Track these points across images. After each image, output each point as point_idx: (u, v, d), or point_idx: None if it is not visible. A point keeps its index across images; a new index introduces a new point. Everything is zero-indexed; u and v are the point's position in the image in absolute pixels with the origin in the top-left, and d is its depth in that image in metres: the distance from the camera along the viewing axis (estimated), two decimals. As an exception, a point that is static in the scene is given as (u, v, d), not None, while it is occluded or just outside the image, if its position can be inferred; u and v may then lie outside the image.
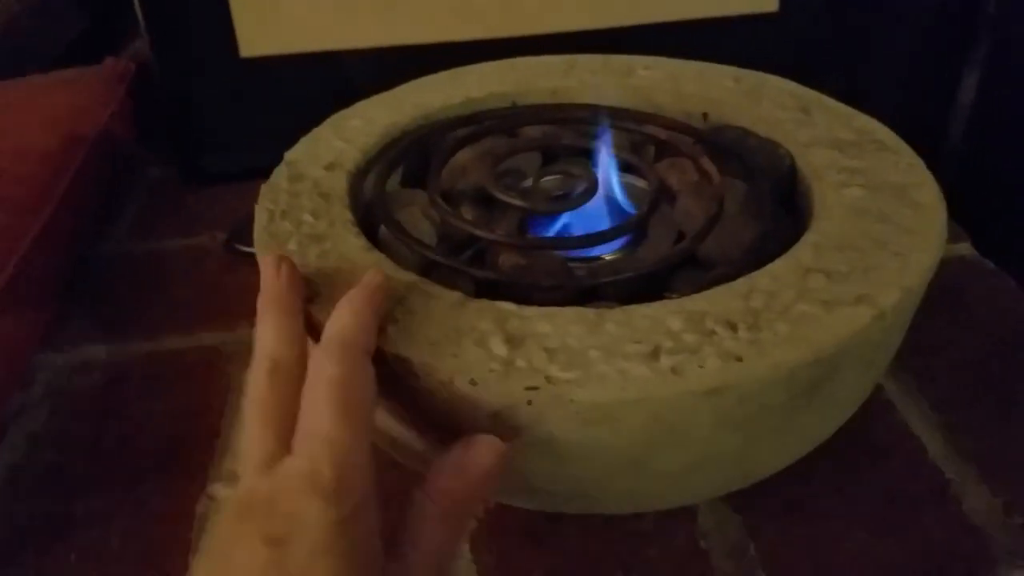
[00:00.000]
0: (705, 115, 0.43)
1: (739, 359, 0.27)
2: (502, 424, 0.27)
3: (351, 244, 0.33)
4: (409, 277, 0.31)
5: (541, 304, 0.29)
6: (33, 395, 0.43)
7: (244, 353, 0.45)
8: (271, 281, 0.28)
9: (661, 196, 0.36)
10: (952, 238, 0.49)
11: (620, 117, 0.41)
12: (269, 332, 0.27)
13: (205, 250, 0.53)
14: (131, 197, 0.60)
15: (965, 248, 0.49)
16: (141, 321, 0.48)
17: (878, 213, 0.33)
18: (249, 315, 0.29)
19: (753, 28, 0.58)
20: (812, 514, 0.35)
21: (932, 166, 0.36)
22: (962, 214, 0.47)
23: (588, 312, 0.29)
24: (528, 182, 0.39)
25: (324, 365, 0.25)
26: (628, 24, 0.57)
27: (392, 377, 0.28)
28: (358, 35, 0.55)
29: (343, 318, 0.26)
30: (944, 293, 0.45)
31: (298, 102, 0.47)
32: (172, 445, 0.40)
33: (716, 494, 0.33)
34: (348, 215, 0.34)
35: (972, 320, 0.44)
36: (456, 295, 0.30)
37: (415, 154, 0.40)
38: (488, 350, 0.27)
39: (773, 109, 0.41)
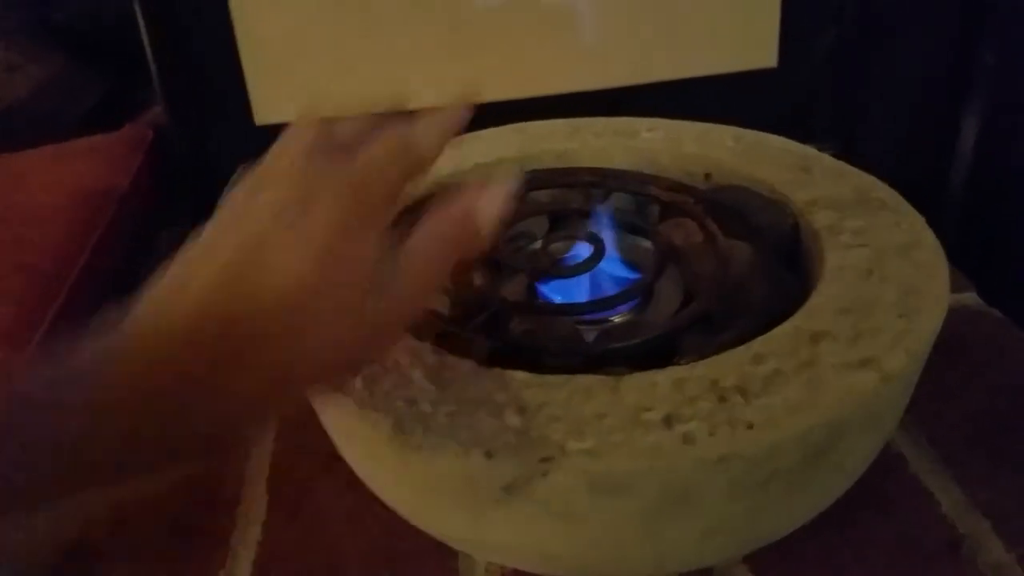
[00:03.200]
0: (707, 175, 0.44)
1: (750, 426, 0.27)
2: (517, 494, 0.28)
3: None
4: (424, 349, 0.31)
5: (553, 370, 0.30)
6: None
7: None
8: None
9: (667, 258, 0.37)
10: (957, 287, 0.50)
11: (624, 179, 0.42)
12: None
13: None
14: (153, 261, 0.61)
15: (971, 297, 0.50)
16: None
17: (881, 274, 0.34)
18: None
19: (752, 84, 0.60)
20: (823, 569, 0.35)
21: (934, 215, 0.37)
22: (967, 262, 0.48)
23: (600, 380, 0.29)
24: (537, 244, 0.40)
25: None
26: (629, 84, 0.58)
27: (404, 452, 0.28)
28: (369, 101, 0.57)
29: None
30: (951, 343, 0.45)
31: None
32: (194, 516, 0.40)
33: (731, 557, 0.34)
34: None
35: (980, 370, 0.44)
36: (470, 364, 0.31)
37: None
38: (502, 421, 0.28)
39: (773, 169, 0.42)
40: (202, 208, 0.61)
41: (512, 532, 0.30)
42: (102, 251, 0.54)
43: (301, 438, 0.42)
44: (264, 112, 0.57)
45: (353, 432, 0.31)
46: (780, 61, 0.59)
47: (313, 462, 0.42)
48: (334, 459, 0.35)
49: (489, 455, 0.27)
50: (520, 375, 0.30)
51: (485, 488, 0.28)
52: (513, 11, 0.57)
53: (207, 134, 0.59)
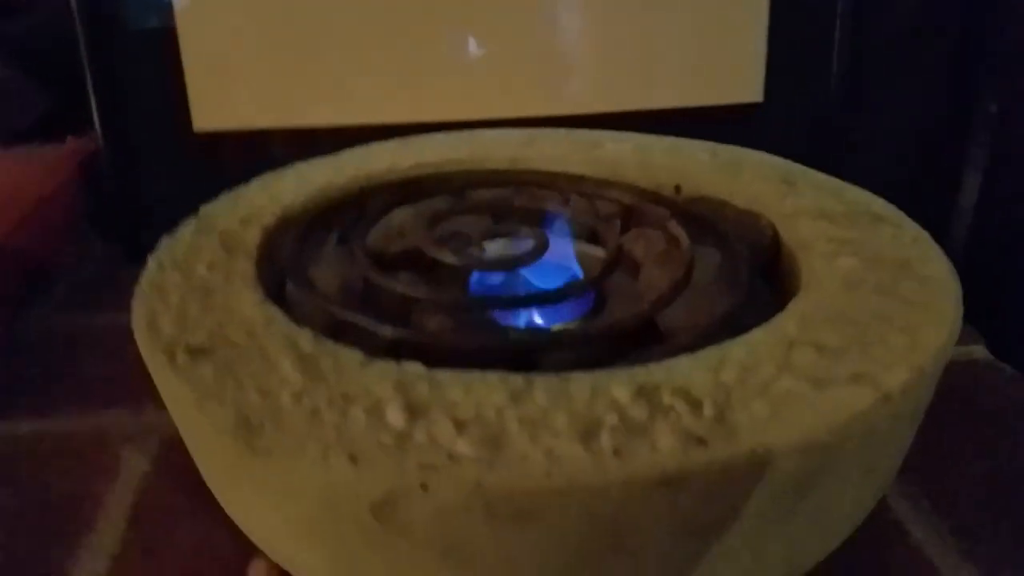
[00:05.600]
0: (678, 187, 0.38)
1: (702, 441, 0.20)
2: (390, 519, 0.21)
3: (243, 298, 0.27)
4: (303, 335, 0.25)
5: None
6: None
7: (144, 436, 0.38)
8: None
9: (619, 260, 0.31)
10: (966, 340, 0.44)
11: (582, 183, 0.37)
12: None
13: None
14: (68, 275, 0.56)
15: (980, 351, 0.43)
16: (37, 398, 0.42)
17: (877, 285, 0.28)
18: (159, 395, 0.25)
19: (736, 119, 0.55)
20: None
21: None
22: (976, 316, 0.42)
23: (514, 378, 0.23)
24: (473, 249, 0.34)
25: None
26: (602, 111, 0.54)
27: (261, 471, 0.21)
28: (315, 114, 0.52)
29: None
30: (959, 400, 0.39)
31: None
32: (34, 541, 0.33)
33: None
34: (250, 269, 0.29)
35: (993, 429, 0.38)
36: (356, 355, 0.24)
37: (351, 215, 0.35)
38: (380, 419, 0.21)
39: (754, 181, 0.37)
40: (128, 220, 0.57)
41: (387, 574, 0.23)
42: (4, 258, 0.48)
43: (180, 462, 0.35)
44: (203, 118, 0.52)
45: (190, 427, 0.24)
46: (766, 96, 0.55)
47: (187, 491, 0.34)
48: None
49: (354, 459, 0.20)
50: (415, 368, 0.23)
51: (349, 508, 0.21)
52: (477, 34, 0.53)
53: (140, 139, 0.54)
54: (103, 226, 0.60)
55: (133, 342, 0.26)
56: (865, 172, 0.36)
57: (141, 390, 0.41)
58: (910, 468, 0.34)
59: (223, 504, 0.27)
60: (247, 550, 0.29)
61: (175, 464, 0.36)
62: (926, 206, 0.33)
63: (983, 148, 0.54)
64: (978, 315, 0.42)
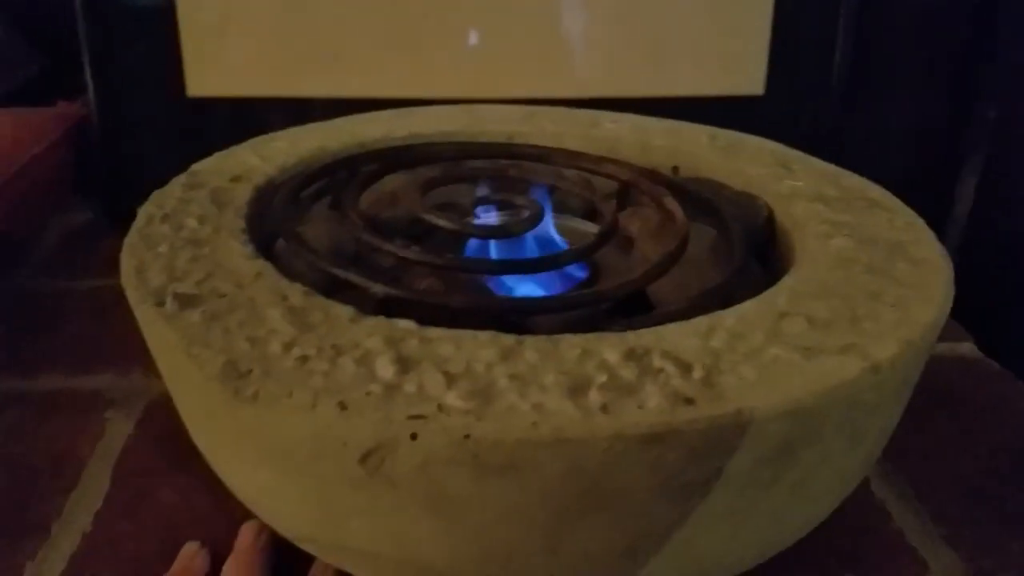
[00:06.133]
0: (675, 168, 0.38)
1: (689, 401, 0.20)
2: (379, 470, 0.21)
3: (232, 251, 0.27)
4: (293, 289, 0.25)
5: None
6: None
7: (128, 399, 0.38)
8: (247, 546, 0.29)
9: (613, 233, 0.30)
10: (955, 337, 0.44)
11: (579, 159, 0.37)
12: None
13: (119, 293, 0.48)
14: (54, 237, 0.56)
15: (968, 348, 0.44)
16: (22, 359, 0.41)
17: (870, 265, 0.28)
18: (144, 359, 0.26)
19: (736, 111, 0.55)
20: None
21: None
22: (965, 314, 0.42)
23: (505, 337, 0.23)
24: (468, 218, 0.34)
25: None
26: (602, 96, 0.53)
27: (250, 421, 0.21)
28: (311, 84, 0.52)
29: None
30: (946, 395, 0.40)
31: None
32: (17, 497, 0.32)
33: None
34: (240, 223, 0.29)
35: (980, 424, 0.38)
36: (347, 310, 0.24)
37: (343, 179, 0.35)
38: (370, 370, 0.21)
39: (751, 165, 0.37)
40: (114, 183, 0.56)
41: (373, 529, 0.22)
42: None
43: (164, 425, 0.35)
44: (196, 84, 0.52)
45: (177, 375, 0.24)
46: (767, 89, 0.55)
47: (171, 453, 0.34)
48: (197, 451, 0.28)
49: (343, 407, 0.20)
50: (407, 324, 0.23)
51: (336, 458, 0.21)
52: (482, 10, 0.53)
53: (132, 102, 0.54)
54: (91, 192, 0.60)
55: (119, 305, 0.26)
56: (860, 170, 0.36)
57: (126, 353, 0.41)
58: (896, 456, 0.35)
59: (209, 459, 0.27)
60: (229, 512, 0.29)
61: (159, 427, 0.36)
62: (921, 206, 0.33)
63: (980, 153, 0.55)
64: (969, 314, 0.42)
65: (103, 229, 0.56)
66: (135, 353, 0.41)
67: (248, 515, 0.28)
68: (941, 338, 0.26)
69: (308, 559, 0.28)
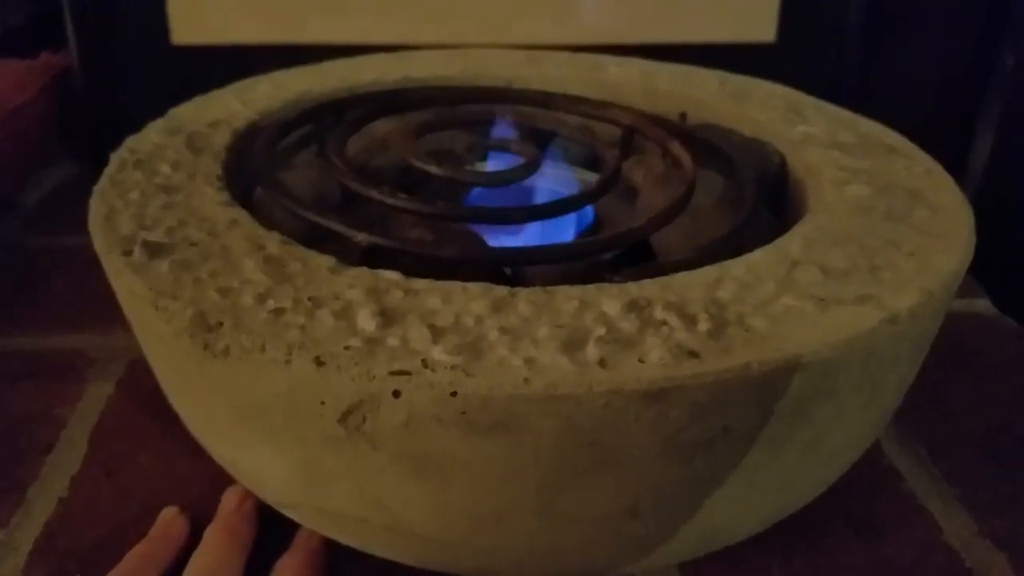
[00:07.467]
0: (683, 115, 0.36)
1: (694, 354, 0.19)
2: (359, 429, 0.19)
3: (206, 197, 0.25)
4: (270, 238, 0.23)
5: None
6: None
7: (110, 359, 0.37)
8: (229, 512, 0.27)
9: (615, 180, 0.29)
10: (970, 294, 0.42)
11: (581, 104, 0.35)
12: (210, 561, 0.26)
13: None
14: (39, 192, 0.54)
15: (983, 305, 0.42)
16: (2, 317, 0.40)
17: (888, 212, 0.26)
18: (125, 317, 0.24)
19: (747, 59, 0.53)
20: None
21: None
22: (980, 270, 0.40)
23: (497, 289, 0.21)
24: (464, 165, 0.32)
25: None
26: (611, 43, 0.51)
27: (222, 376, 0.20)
28: (302, 30, 0.50)
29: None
30: (960, 352, 0.38)
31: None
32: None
33: (660, 560, 0.25)
34: (216, 170, 0.27)
35: (995, 382, 0.37)
36: (327, 260, 0.22)
37: (329, 124, 0.33)
38: (350, 323, 0.20)
39: (763, 110, 0.35)
40: (100, 134, 0.54)
41: (356, 493, 0.21)
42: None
43: (145, 385, 0.34)
44: (182, 31, 0.50)
45: (146, 329, 0.23)
46: (778, 36, 0.53)
47: (151, 414, 0.33)
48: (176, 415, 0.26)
49: (320, 362, 0.19)
50: (391, 275, 0.22)
51: (315, 417, 0.19)
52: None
53: (115, 51, 0.51)
54: (75, 144, 0.58)
55: (100, 266, 0.25)
56: (878, 119, 0.34)
57: (110, 312, 0.40)
58: (909, 416, 0.33)
59: (184, 420, 0.26)
60: (211, 476, 0.28)
61: (140, 387, 0.35)
62: (937, 158, 0.31)
63: (997, 103, 0.52)
64: (984, 270, 0.40)
65: (89, 182, 0.55)
66: (118, 311, 0.40)
67: (231, 480, 0.27)
68: (956, 294, 0.24)
69: (293, 527, 0.27)
